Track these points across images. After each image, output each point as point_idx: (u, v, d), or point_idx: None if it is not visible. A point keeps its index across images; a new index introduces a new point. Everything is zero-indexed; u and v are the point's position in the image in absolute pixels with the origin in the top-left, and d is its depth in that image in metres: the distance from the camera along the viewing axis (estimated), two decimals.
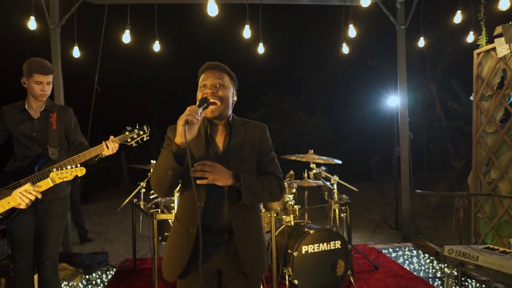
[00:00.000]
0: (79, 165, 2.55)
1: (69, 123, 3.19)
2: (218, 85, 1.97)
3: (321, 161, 4.47)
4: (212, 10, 3.35)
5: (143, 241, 6.38)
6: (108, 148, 2.94)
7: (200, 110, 1.80)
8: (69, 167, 2.51)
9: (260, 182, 1.95)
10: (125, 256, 5.81)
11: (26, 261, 2.98)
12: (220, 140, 2.04)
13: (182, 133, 1.69)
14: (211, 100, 1.92)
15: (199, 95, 1.99)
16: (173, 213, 3.72)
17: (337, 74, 19.92)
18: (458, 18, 5.26)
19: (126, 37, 4.64)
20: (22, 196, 2.35)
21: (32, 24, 3.98)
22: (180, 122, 1.69)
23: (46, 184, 2.45)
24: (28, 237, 3.00)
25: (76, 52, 5.13)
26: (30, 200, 2.36)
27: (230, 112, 2.07)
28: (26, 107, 3.06)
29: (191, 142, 1.92)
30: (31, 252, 3.03)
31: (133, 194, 4.73)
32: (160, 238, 4.51)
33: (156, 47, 5.44)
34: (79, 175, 2.55)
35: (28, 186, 2.36)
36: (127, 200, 4.77)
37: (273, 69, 21.18)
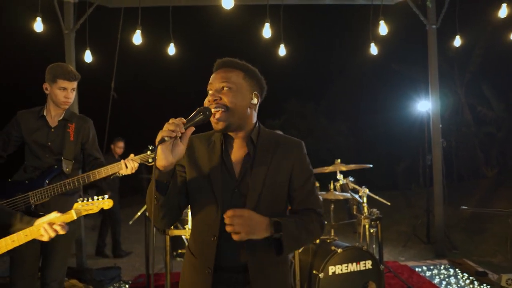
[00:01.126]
0: (106, 197, 2.25)
1: (87, 135, 2.94)
2: (223, 89, 1.57)
3: (351, 168, 4.08)
4: (228, 2, 3.04)
5: (160, 253, 6.10)
6: (127, 167, 2.70)
7: (190, 124, 1.42)
8: (95, 198, 2.23)
9: (304, 227, 1.58)
10: (141, 270, 5.54)
11: (25, 282, 2.72)
12: (237, 160, 1.63)
13: (159, 154, 1.36)
14: (213, 110, 1.53)
15: (205, 102, 1.61)
16: (187, 229, 3.41)
17: (360, 78, 19.41)
18: (503, 12, 4.80)
19: (137, 38, 4.40)
20: (49, 229, 2.03)
21: (38, 26, 3.78)
22: (156, 140, 1.35)
23: (69, 217, 2.14)
24: (30, 257, 2.75)
25: (88, 57, 4.93)
26: (56, 234, 2.05)
27: (250, 121, 1.64)
28: (45, 113, 2.84)
29: (203, 160, 1.62)
30: (32, 273, 2.78)
31: (145, 207, 4.45)
32: (174, 253, 4.23)
33: (171, 50, 5.19)
34: (105, 208, 2.26)
35: (55, 217, 2.07)
36: (139, 213, 4.49)
37: (294, 73, 20.83)
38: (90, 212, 2.22)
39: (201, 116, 1.46)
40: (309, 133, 19.19)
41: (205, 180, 1.59)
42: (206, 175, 1.60)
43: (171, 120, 1.38)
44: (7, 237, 2.03)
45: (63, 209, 2.75)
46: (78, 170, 2.90)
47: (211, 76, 1.64)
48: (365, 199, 4.00)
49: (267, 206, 1.57)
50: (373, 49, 5.18)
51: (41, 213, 2.68)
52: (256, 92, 1.65)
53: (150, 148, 2.73)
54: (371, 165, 4.20)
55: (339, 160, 4.18)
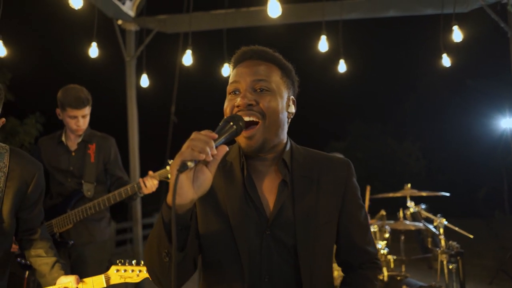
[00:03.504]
0: (141, 264, 1.77)
1: (108, 155, 2.83)
2: (258, 89, 1.16)
3: (424, 195, 3.58)
4: (274, 10, 2.83)
5: None
6: (146, 186, 2.50)
7: (221, 139, 0.99)
8: (133, 262, 1.80)
9: None
10: None
11: None
12: (268, 190, 1.20)
13: (172, 188, 0.90)
14: (246, 119, 1.11)
15: (226, 109, 1.19)
16: None
17: (430, 95, 18.23)
18: None
19: (188, 59, 4.34)
20: None
21: (93, 51, 3.85)
22: (173, 168, 0.90)
23: (97, 283, 1.79)
24: None
25: (145, 82, 4.99)
26: None
27: (284, 136, 1.24)
28: (63, 138, 2.78)
29: (218, 190, 1.19)
30: None
31: None
32: None
33: (225, 71, 5.11)
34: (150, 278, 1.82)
35: (72, 277, 1.77)
36: None
37: (356, 91, 20.15)
38: (129, 281, 1.76)
39: (234, 128, 1.04)
40: (376, 156, 18.29)
41: (222, 221, 1.16)
42: (223, 213, 1.17)
43: (195, 135, 0.94)
44: None
45: (89, 234, 2.63)
46: (103, 193, 2.77)
47: (236, 71, 1.21)
48: (441, 230, 3.47)
49: (317, 254, 1.18)
50: (446, 61, 4.67)
51: (69, 241, 2.57)
52: (293, 97, 1.27)
53: (170, 162, 2.52)
54: (447, 194, 3.65)
55: (409, 185, 3.69)
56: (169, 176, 2.47)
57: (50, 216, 2.59)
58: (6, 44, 3.58)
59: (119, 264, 1.77)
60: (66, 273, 1.82)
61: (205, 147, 0.91)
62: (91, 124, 2.83)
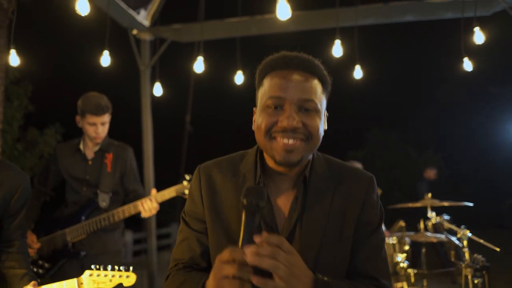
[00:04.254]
0: (131, 268, 1.74)
1: (124, 165, 2.78)
2: (307, 109, 1.06)
3: (445, 205, 3.40)
4: (283, 12, 2.74)
5: None
6: (144, 209, 2.41)
7: (249, 236, 0.91)
8: (108, 267, 1.75)
9: None
10: None
11: None
12: (283, 207, 1.12)
13: None
14: (290, 142, 1.04)
15: (262, 125, 1.07)
16: None
17: (450, 103, 17.79)
18: None
19: (199, 66, 4.29)
20: None
21: (105, 59, 3.85)
22: None
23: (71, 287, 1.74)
24: None
25: (158, 91, 4.98)
26: None
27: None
28: (81, 146, 2.74)
29: (229, 205, 1.13)
30: None
31: None
32: None
33: (239, 78, 5.05)
34: (125, 286, 1.73)
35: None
36: None
37: (374, 99, 19.83)
38: (102, 286, 1.71)
39: (259, 215, 0.94)
40: (396, 165, 17.89)
41: (232, 242, 1.06)
42: (233, 232, 1.10)
43: (227, 270, 0.88)
44: None
45: (102, 244, 2.57)
46: (118, 203, 2.72)
47: (276, 81, 1.06)
48: (465, 243, 3.28)
49: (327, 273, 1.05)
50: (467, 65, 4.48)
51: (81, 252, 2.52)
52: (326, 112, 1.17)
53: (188, 178, 2.43)
54: (471, 204, 3.46)
55: (429, 195, 3.51)
56: (186, 192, 2.32)
57: (65, 225, 2.56)
58: (24, 55, 3.62)
59: (94, 269, 1.74)
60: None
61: (244, 274, 0.87)
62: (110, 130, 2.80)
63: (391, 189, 15.43)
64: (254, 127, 1.13)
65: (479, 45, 4.22)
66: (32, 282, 1.75)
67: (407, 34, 18.24)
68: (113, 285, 1.71)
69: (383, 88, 19.66)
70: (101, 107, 2.61)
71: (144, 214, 2.44)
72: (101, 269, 1.74)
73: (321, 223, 1.09)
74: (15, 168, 1.84)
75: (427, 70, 19.40)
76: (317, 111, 1.08)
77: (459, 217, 3.54)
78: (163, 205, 2.66)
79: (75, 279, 1.74)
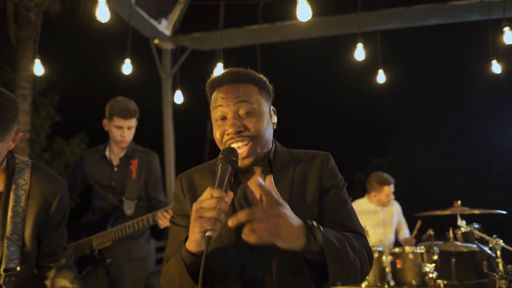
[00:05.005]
0: None
1: (149, 172, 2.75)
2: (244, 114, 1.24)
3: (476, 212, 3.23)
4: (304, 13, 2.68)
5: None
6: (161, 218, 2.35)
7: (226, 184, 1.12)
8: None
9: (348, 243, 1.13)
10: None
11: None
12: (255, 194, 1.29)
13: (200, 242, 1.06)
14: (239, 145, 1.22)
15: (216, 135, 1.27)
16: None
17: (479, 108, 17.29)
18: None
19: (219, 73, 4.28)
20: None
21: (127, 68, 3.89)
22: (197, 230, 1.04)
23: None
24: None
25: (178, 98, 5.01)
26: None
27: (269, 144, 1.32)
28: (107, 153, 2.75)
29: None
30: None
31: None
32: None
33: None
34: None
35: None
36: None
37: (397, 106, 19.47)
38: None
39: (231, 168, 1.15)
40: (421, 173, 17.46)
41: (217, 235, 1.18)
42: None
43: (207, 203, 1.04)
44: None
45: (126, 252, 2.56)
46: (144, 209, 2.69)
47: (216, 96, 1.27)
48: (498, 253, 3.11)
49: None
50: (496, 67, 4.32)
51: (106, 259, 2.51)
52: (272, 107, 1.36)
53: None
54: (504, 212, 3.29)
55: (459, 202, 3.35)
56: None
57: (90, 232, 2.55)
58: (50, 66, 3.70)
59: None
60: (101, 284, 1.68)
61: (223, 216, 1.04)
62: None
63: (417, 197, 15.05)
64: (216, 141, 1.31)
65: (508, 47, 4.07)
66: None
67: (431, 38, 17.90)
68: None
69: (407, 95, 19.33)
70: (129, 111, 2.62)
71: (161, 224, 2.39)
72: None
73: (287, 195, 1.24)
74: (50, 174, 1.66)
75: (453, 75, 18.97)
76: (254, 112, 1.25)
77: (491, 227, 3.37)
78: None
79: None
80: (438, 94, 20.68)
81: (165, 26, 5.60)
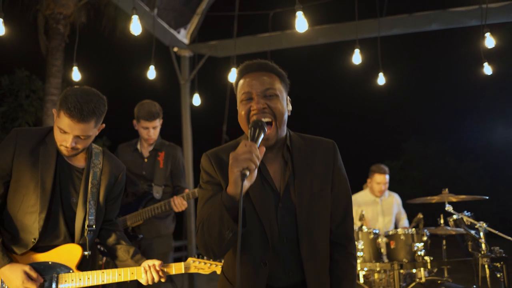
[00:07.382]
0: (218, 263, 2.08)
1: (174, 161, 3.23)
2: (269, 95, 1.44)
3: (463, 199, 3.58)
4: (301, 25, 3.09)
5: None
6: (175, 204, 2.86)
7: (259, 142, 1.30)
8: (205, 258, 2.08)
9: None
10: None
11: None
12: (276, 171, 1.49)
13: (239, 184, 1.21)
14: (265, 120, 1.40)
15: (241, 112, 1.46)
16: None
17: (491, 110, 17.27)
18: None
19: (234, 77, 4.71)
20: (148, 270, 1.98)
21: (151, 73, 4.37)
22: (236, 169, 1.22)
23: (177, 269, 2.06)
24: None
25: (196, 101, 5.46)
26: (153, 280, 2.00)
27: (285, 129, 1.52)
28: (138, 146, 3.22)
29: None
30: None
31: None
32: None
33: None
34: (218, 273, 1.98)
35: (157, 261, 2.02)
36: None
37: (409, 109, 19.52)
38: (201, 272, 2.09)
39: (262, 133, 1.33)
40: (435, 175, 17.48)
41: (246, 201, 1.42)
42: (247, 195, 1.43)
43: (245, 144, 1.24)
44: (115, 270, 2.03)
45: (155, 229, 3.01)
46: (169, 194, 3.15)
47: (243, 81, 1.48)
48: (482, 235, 3.44)
49: (319, 220, 1.47)
50: (487, 69, 4.64)
51: (139, 235, 2.96)
52: (289, 97, 1.57)
53: None
54: (486, 197, 3.65)
55: (446, 190, 3.71)
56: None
57: (125, 212, 3.01)
58: (83, 72, 4.16)
59: (195, 257, 2.09)
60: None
61: (256, 160, 1.23)
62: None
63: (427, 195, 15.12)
64: (239, 119, 1.49)
65: None
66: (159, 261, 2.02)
67: (437, 41, 18.02)
68: (209, 271, 2.08)
69: (419, 98, 19.42)
70: (152, 114, 3.08)
71: (175, 209, 2.89)
72: (199, 257, 2.09)
73: (309, 179, 1.47)
74: (115, 158, 2.18)
75: (465, 77, 18.97)
76: (277, 96, 1.44)
77: (498, 223, 3.66)
78: None
79: (182, 263, 2.07)
80: (450, 96, 20.69)
81: (183, 35, 6.09)
